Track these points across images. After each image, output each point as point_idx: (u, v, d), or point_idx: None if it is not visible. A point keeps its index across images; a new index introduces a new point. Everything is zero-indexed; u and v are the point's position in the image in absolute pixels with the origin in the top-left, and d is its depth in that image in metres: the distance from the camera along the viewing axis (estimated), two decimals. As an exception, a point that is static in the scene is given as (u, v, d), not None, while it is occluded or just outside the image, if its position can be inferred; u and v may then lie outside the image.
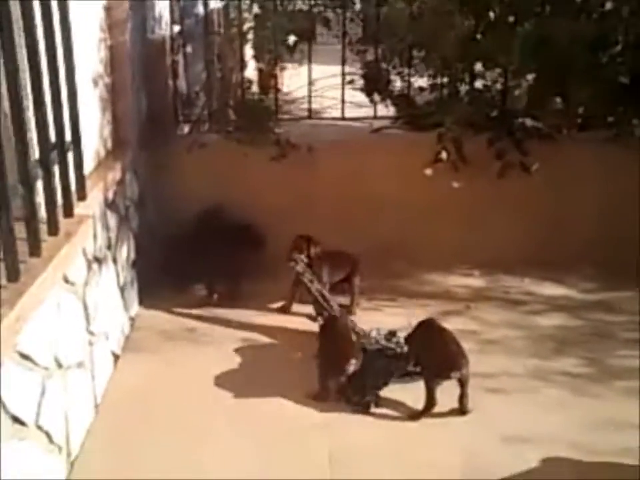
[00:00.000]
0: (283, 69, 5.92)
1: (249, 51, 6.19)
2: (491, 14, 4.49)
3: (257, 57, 6.09)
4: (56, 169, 3.25)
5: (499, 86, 4.87)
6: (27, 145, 2.89)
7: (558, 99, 4.68)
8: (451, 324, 4.50)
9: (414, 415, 3.74)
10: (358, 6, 5.64)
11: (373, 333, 4.30)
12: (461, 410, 3.77)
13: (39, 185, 3.11)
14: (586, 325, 4.57)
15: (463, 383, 3.76)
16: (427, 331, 4.05)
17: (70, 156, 3.40)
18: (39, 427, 2.97)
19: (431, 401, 3.73)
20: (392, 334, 4.28)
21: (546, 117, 4.78)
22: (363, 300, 4.83)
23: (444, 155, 4.52)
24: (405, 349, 4.11)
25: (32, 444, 2.92)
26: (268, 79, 6.07)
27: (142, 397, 3.87)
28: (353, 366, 3.81)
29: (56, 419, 3.14)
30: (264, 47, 4.94)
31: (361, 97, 5.63)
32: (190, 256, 4.76)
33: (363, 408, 3.80)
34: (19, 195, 2.85)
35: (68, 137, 3.36)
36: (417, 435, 3.64)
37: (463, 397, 3.77)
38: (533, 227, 5.13)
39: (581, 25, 4.47)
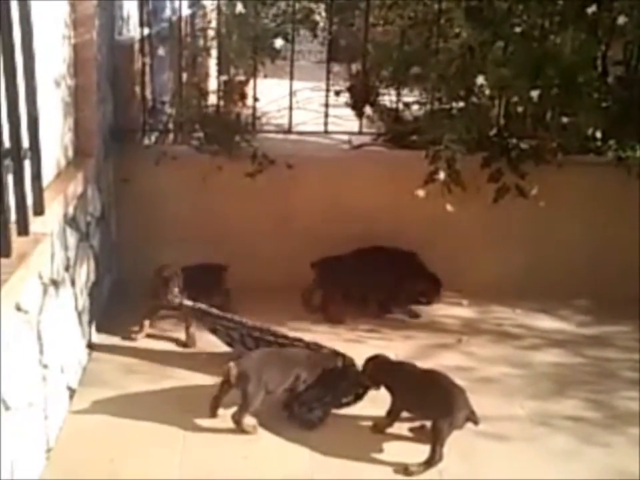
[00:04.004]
0: (247, 80, 5.45)
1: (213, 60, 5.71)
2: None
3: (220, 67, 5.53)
4: (10, 179, 2.78)
5: (496, 102, 4.52)
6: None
7: (560, 120, 4.32)
8: (442, 359, 4.21)
9: (412, 470, 3.26)
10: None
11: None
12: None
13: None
14: (585, 363, 4.25)
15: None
16: (402, 370, 3.62)
17: (27, 164, 2.93)
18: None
19: (437, 455, 3.24)
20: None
21: (545, 138, 4.44)
22: (344, 330, 4.47)
23: (442, 175, 4.13)
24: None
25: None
26: (238, 89, 5.66)
27: (99, 441, 3.42)
28: None
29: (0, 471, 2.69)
30: (244, 53, 4.48)
31: (340, 111, 5.29)
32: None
33: (307, 425, 3.54)
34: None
35: (25, 142, 2.89)
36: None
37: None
38: (526, 254, 4.81)
39: (589, 41, 4.16)
